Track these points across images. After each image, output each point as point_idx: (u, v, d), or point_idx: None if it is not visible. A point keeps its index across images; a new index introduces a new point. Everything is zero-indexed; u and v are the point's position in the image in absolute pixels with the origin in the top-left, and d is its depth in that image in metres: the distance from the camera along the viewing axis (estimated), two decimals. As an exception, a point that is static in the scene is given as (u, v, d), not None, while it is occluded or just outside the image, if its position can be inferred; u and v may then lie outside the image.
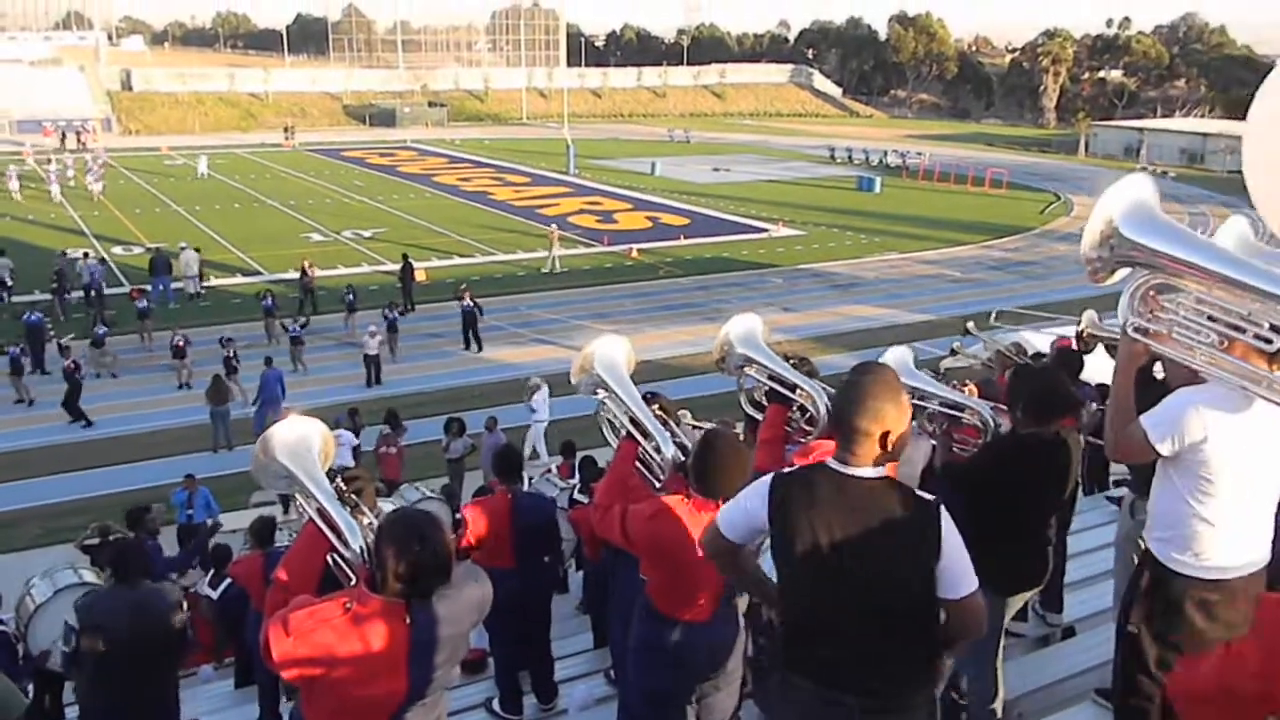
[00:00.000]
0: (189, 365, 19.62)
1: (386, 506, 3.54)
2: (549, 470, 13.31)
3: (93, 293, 24.04)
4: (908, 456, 3.69)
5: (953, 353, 6.09)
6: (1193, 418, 2.81)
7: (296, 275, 25.59)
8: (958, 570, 2.61)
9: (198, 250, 27.03)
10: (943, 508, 2.62)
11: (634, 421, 3.95)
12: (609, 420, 4.19)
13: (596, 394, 4.14)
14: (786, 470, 2.87)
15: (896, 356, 4.43)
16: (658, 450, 3.88)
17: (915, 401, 4.42)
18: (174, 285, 25.79)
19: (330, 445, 3.23)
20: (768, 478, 2.79)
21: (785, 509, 2.70)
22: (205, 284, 26.61)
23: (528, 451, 15.83)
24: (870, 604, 2.60)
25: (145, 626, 4.67)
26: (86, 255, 26.22)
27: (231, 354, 18.46)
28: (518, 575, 5.52)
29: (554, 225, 33.00)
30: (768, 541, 2.81)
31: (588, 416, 5.20)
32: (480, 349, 22.29)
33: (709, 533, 2.94)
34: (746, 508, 2.81)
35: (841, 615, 2.65)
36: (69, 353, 18.07)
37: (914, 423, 4.41)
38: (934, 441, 4.51)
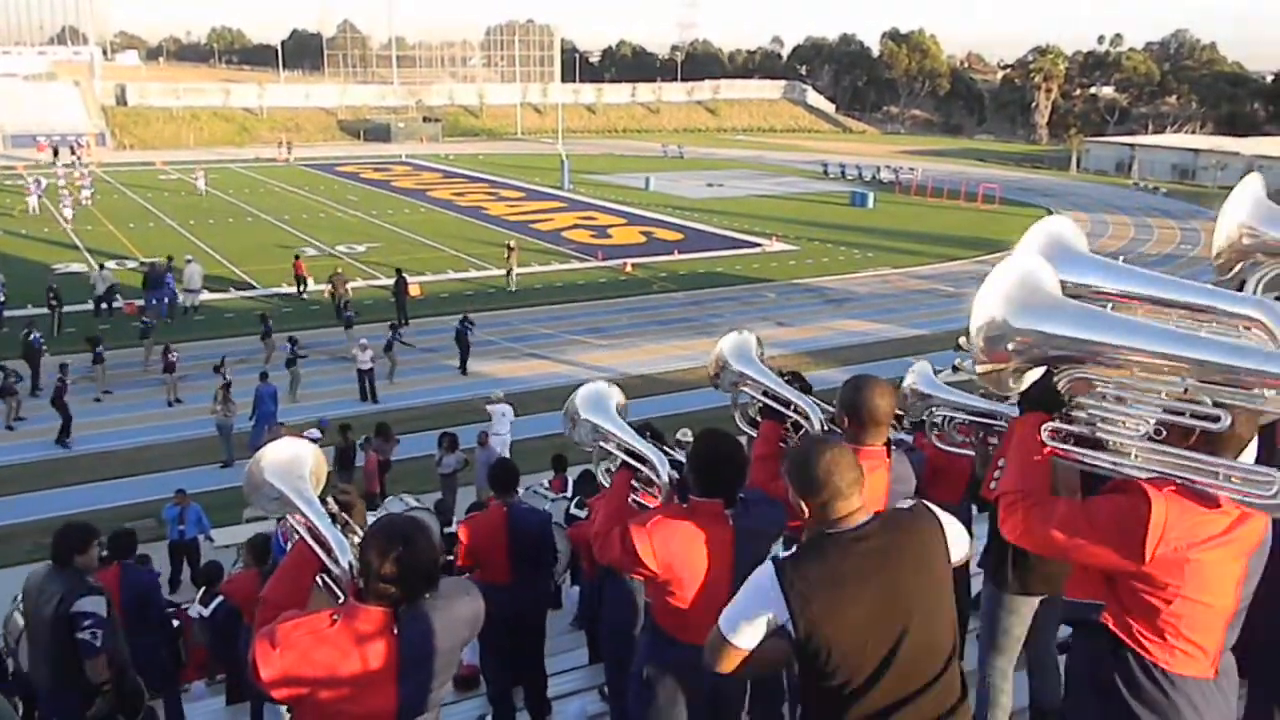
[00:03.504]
0: (176, 380, 19.59)
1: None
2: (541, 484, 13.32)
3: (103, 305, 24.68)
4: (900, 474, 3.68)
5: (954, 369, 6.06)
6: None
7: (328, 287, 25.73)
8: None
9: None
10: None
11: (629, 452, 3.92)
12: (607, 469, 4.18)
13: (596, 442, 4.13)
14: None
15: (919, 368, 4.46)
16: (655, 473, 3.81)
17: (941, 412, 4.40)
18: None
19: (322, 466, 3.20)
20: None
21: None
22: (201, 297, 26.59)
23: None
24: None
25: (71, 601, 5.16)
26: (103, 267, 26.32)
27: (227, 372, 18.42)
28: (513, 590, 5.51)
29: (512, 239, 32.32)
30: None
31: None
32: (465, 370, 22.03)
33: None
34: None
35: None
36: (64, 370, 18.00)
37: (899, 433, 4.41)
38: (916, 455, 4.47)
